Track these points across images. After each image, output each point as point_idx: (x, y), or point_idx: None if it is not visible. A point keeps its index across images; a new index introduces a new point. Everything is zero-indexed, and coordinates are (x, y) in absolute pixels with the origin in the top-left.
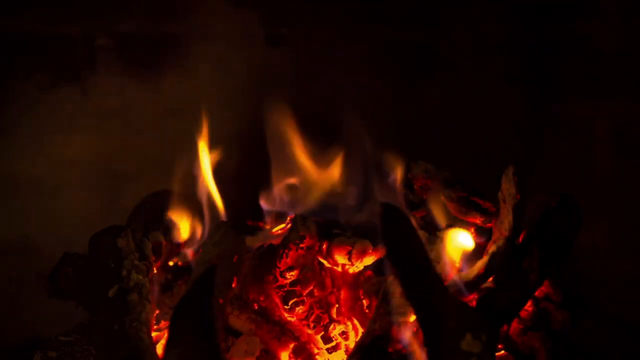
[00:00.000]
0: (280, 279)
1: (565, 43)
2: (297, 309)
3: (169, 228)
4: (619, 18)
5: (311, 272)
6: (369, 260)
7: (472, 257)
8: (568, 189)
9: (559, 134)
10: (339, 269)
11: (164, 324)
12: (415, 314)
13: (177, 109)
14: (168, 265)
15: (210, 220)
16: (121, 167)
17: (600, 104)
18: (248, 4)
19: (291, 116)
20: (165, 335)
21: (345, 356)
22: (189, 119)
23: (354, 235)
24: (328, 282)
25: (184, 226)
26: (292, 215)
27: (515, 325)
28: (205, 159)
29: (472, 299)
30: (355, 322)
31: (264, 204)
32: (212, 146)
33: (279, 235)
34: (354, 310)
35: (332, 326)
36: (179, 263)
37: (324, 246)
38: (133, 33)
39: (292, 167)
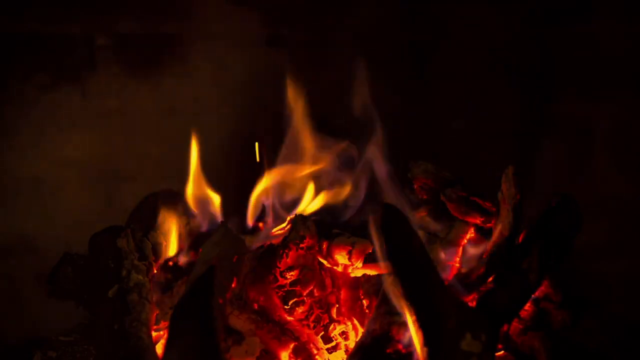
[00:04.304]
0: (280, 279)
1: (565, 43)
2: (297, 309)
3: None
4: (619, 18)
5: (311, 272)
6: None
7: (472, 257)
8: (568, 189)
9: (559, 134)
10: (339, 269)
11: (164, 324)
12: (415, 314)
13: (177, 109)
14: (168, 265)
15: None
16: (121, 167)
17: (600, 104)
18: (248, 4)
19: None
20: (165, 335)
21: (345, 356)
22: (189, 119)
23: (354, 235)
24: (328, 282)
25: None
26: (292, 215)
27: (515, 325)
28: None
29: (472, 299)
30: (355, 322)
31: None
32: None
33: (279, 235)
34: (354, 310)
35: (332, 326)
36: (179, 263)
37: (324, 246)
38: (133, 33)
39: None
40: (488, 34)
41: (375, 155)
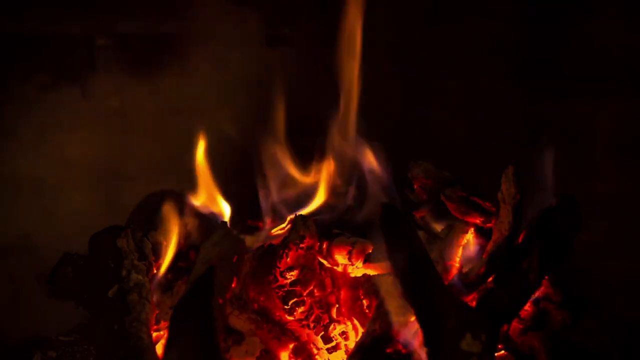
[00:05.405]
0: (280, 279)
1: (565, 43)
2: (297, 309)
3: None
4: (619, 17)
5: (311, 272)
6: None
7: (472, 257)
8: (568, 189)
9: (559, 133)
10: (339, 269)
11: (164, 324)
12: (415, 314)
13: (177, 109)
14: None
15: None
16: (121, 167)
17: (600, 104)
18: (248, 4)
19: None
20: (165, 335)
21: (345, 356)
22: (189, 119)
23: (354, 235)
24: (328, 282)
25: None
26: (292, 215)
27: (515, 325)
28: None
29: (472, 299)
30: (355, 322)
31: (263, 201)
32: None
33: (279, 235)
34: (354, 310)
35: (332, 326)
36: (179, 263)
37: (324, 246)
38: (133, 33)
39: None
40: (488, 34)
41: (373, 158)
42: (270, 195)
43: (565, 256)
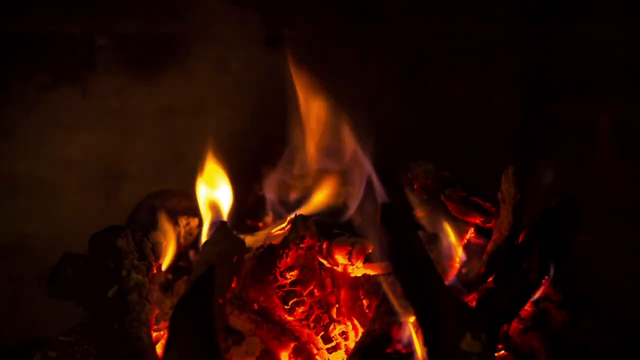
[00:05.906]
0: (280, 279)
1: (565, 43)
2: (297, 309)
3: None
4: (619, 17)
5: (311, 272)
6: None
7: (472, 257)
8: (568, 189)
9: (559, 134)
10: (339, 269)
11: (164, 324)
12: (415, 314)
13: (177, 109)
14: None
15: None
16: (121, 167)
17: (600, 104)
18: (248, 4)
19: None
20: (165, 335)
21: (345, 356)
22: (189, 119)
23: (354, 235)
24: (328, 282)
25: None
26: (292, 215)
27: (515, 325)
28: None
29: (472, 299)
30: (355, 322)
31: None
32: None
33: (279, 235)
34: (354, 310)
35: (332, 326)
36: (179, 263)
37: (324, 246)
38: (133, 33)
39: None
40: (488, 34)
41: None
42: (272, 195)
43: (565, 256)
